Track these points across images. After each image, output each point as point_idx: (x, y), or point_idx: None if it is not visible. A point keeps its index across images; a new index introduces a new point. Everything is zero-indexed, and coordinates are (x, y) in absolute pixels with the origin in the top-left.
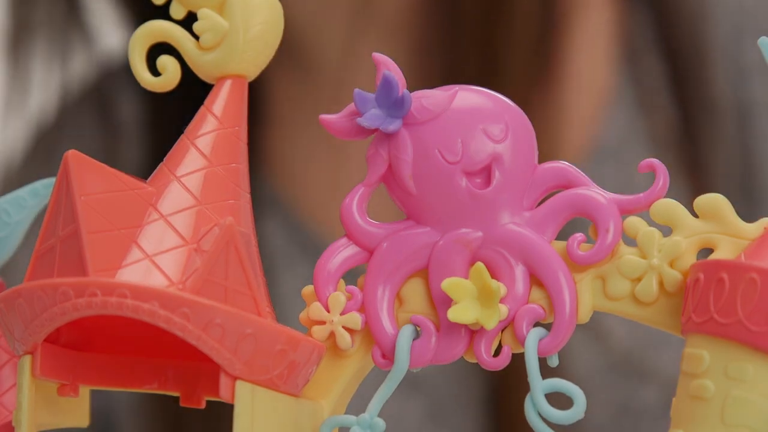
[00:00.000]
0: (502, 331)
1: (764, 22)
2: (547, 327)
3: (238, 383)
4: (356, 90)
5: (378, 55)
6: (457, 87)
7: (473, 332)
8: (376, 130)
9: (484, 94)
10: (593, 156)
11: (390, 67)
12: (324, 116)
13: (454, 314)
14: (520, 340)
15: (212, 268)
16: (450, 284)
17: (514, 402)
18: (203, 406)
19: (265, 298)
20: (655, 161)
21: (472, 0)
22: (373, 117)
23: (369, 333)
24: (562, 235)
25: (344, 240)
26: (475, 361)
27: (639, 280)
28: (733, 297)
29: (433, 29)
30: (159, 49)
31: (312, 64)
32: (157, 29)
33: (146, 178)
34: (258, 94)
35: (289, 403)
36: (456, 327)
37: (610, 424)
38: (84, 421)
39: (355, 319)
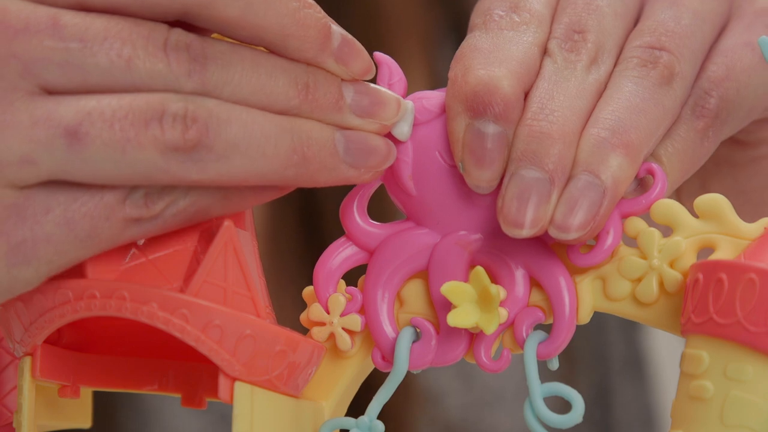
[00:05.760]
0: (502, 333)
1: None
2: (548, 328)
3: (237, 384)
4: None
5: (380, 55)
6: None
7: (473, 334)
8: None
9: None
10: None
11: (392, 68)
12: None
13: (454, 319)
14: (520, 344)
15: (211, 270)
16: (450, 288)
17: None
18: (205, 407)
19: (264, 299)
20: (653, 165)
21: None
22: None
23: (370, 334)
24: None
25: (344, 240)
26: (474, 363)
27: (639, 280)
28: (731, 297)
29: None
30: None
31: None
32: None
33: None
34: None
35: (289, 404)
36: (456, 329)
37: None
38: (86, 422)
39: (355, 321)
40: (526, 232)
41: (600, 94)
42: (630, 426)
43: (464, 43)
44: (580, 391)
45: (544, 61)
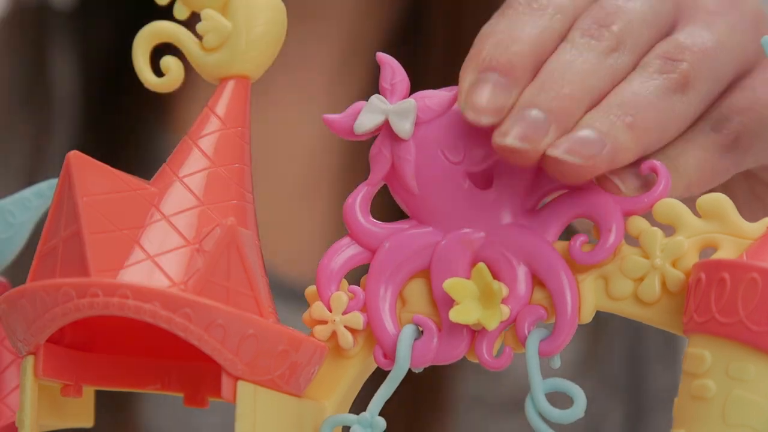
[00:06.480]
0: (504, 331)
1: None
2: (550, 327)
3: (240, 383)
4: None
5: (382, 55)
6: None
7: (475, 332)
8: (379, 129)
9: None
10: None
11: (394, 68)
12: (327, 116)
13: (456, 315)
14: (521, 341)
15: (214, 269)
16: (452, 284)
17: None
18: (207, 406)
19: (267, 298)
20: (656, 163)
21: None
22: None
23: (371, 333)
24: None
25: (347, 239)
26: (476, 361)
27: (641, 279)
28: (734, 297)
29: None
30: (162, 49)
31: None
32: (160, 30)
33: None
34: None
35: (292, 403)
36: (458, 327)
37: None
38: (88, 421)
39: (357, 319)
40: (510, 141)
41: (614, 83)
42: (663, 398)
43: (482, 30)
44: (611, 358)
45: (561, 45)
